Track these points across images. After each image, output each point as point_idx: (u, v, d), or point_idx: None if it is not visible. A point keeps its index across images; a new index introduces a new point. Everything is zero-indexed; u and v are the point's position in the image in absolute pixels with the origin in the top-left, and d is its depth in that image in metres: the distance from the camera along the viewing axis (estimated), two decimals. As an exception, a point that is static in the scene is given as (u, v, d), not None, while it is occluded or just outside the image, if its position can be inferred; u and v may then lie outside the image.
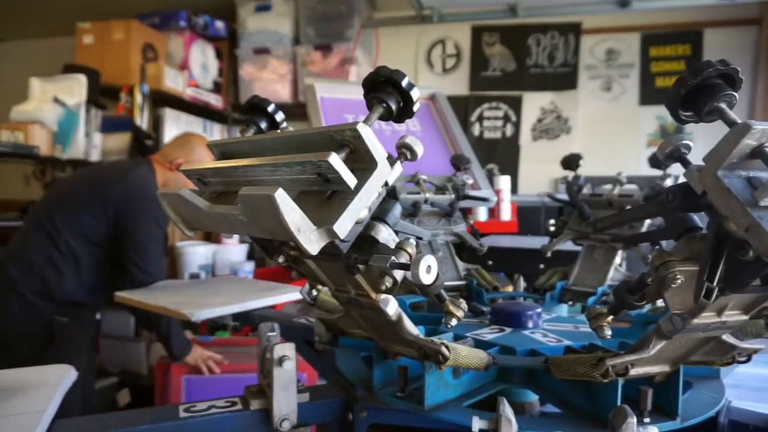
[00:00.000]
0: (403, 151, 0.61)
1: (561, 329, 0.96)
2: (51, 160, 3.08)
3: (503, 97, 3.78)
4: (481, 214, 2.81)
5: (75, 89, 3.04)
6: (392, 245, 0.64)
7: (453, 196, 1.27)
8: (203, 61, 3.74)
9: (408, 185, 1.26)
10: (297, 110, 3.52)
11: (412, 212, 1.21)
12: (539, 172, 3.66)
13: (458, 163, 1.32)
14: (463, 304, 0.71)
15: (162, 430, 0.75)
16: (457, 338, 0.84)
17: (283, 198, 0.51)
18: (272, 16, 3.68)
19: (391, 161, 0.58)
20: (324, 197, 0.57)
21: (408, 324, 0.71)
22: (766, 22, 3.27)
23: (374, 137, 0.56)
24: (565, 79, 3.68)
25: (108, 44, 3.32)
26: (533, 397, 0.89)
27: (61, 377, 0.84)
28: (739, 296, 0.60)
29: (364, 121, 0.56)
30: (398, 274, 0.61)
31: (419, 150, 0.61)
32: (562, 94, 3.68)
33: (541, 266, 1.44)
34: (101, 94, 3.27)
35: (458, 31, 3.82)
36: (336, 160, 0.52)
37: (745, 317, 0.64)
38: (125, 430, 0.73)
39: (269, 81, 3.69)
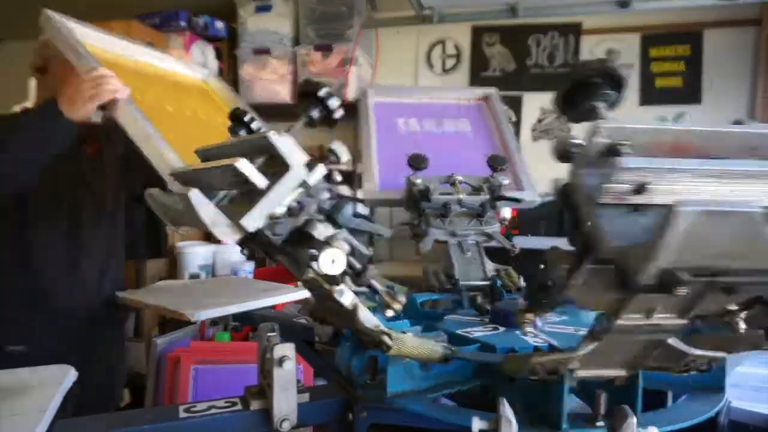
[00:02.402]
0: (328, 154, 0.69)
1: (558, 331, 0.95)
2: (51, 159, 3.06)
3: (503, 97, 3.76)
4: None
5: (75, 89, 3.03)
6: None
7: (487, 196, 1.28)
8: (203, 61, 3.74)
9: (443, 186, 1.27)
10: (297, 110, 3.51)
11: (443, 213, 1.23)
12: (539, 172, 3.65)
13: (494, 164, 1.32)
14: (401, 297, 0.76)
15: (162, 430, 0.75)
16: (451, 335, 0.87)
17: (196, 196, 0.59)
18: (272, 16, 3.68)
19: (314, 164, 0.65)
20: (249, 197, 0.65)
21: (363, 314, 0.73)
22: (766, 23, 3.26)
23: (291, 144, 0.63)
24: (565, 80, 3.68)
25: (108, 44, 3.32)
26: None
27: (61, 377, 0.84)
28: (666, 298, 0.56)
29: (288, 130, 0.65)
30: (342, 265, 0.68)
31: (344, 155, 0.70)
32: (562, 94, 3.69)
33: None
34: (101, 94, 3.26)
35: (458, 31, 3.81)
36: (244, 165, 0.60)
37: (681, 321, 0.60)
38: (125, 430, 0.73)
39: (269, 81, 3.68)
